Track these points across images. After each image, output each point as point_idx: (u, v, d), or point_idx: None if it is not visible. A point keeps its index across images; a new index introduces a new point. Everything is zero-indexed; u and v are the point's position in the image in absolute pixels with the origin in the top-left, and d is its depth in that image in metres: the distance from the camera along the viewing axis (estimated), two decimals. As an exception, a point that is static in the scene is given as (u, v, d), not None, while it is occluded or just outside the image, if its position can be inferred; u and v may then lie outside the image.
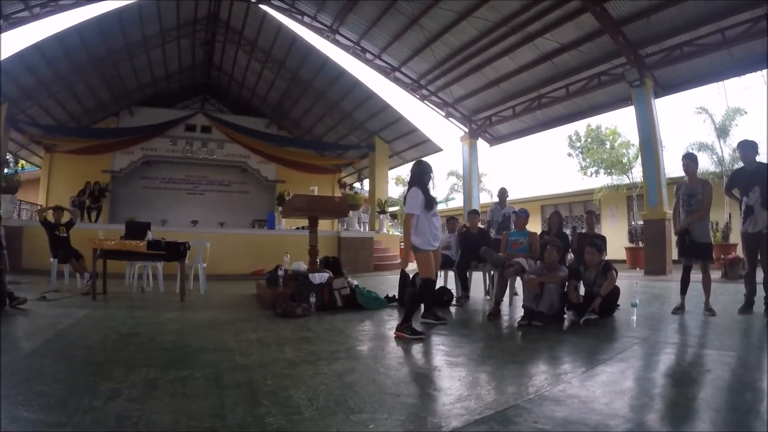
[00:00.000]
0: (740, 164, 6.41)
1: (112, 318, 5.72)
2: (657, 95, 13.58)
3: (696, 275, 6.24)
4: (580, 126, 25.03)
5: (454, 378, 3.38)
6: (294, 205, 7.96)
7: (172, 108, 20.45)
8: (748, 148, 6.03)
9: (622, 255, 15.56)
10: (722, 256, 11.52)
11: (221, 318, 5.95)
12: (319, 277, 6.84)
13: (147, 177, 20.37)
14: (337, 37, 16.04)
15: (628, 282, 8.39)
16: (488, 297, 8.04)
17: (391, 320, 5.96)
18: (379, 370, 3.59)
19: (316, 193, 13.34)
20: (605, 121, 25.74)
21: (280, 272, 6.98)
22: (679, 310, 6.04)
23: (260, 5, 15.52)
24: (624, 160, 19.87)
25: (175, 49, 17.30)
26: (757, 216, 5.71)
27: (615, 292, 5.85)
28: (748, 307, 5.84)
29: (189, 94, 21.64)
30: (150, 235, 7.80)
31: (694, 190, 6.25)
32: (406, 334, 4.69)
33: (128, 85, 18.13)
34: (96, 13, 13.32)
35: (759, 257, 5.85)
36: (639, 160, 15.78)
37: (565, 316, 5.88)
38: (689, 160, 6.45)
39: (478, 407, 2.70)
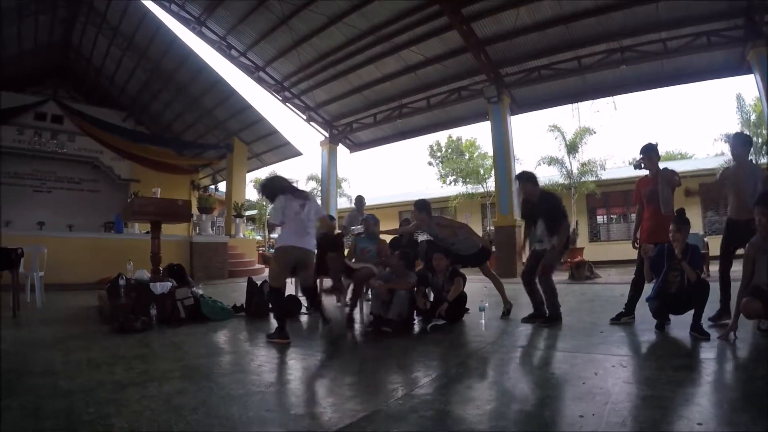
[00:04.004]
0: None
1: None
2: (513, 112, 14.65)
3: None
4: (442, 137, 26.18)
5: (291, 395, 3.41)
6: (133, 209, 7.56)
7: (22, 92, 18.41)
8: (526, 180, 6.33)
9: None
10: (569, 260, 12.50)
11: (54, 335, 5.59)
12: (161, 287, 6.60)
13: (-13, 170, 18.39)
14: (204, 29, 15.60)
15: (479, 285, 8.81)
16: (338, 304, 8.25)
17: (237, 332, 5.93)
18: (212, 389, 3.49)
19: (158, 196, 12.91)
20: (466, 133, 27.09)
21: (122, 281, 6.67)
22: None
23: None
24: (480, 171, 21.05)
25: (31, 26, 15.72)
26: (545, 244, 6.11)
27: (462, 297, 6.12)
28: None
29: (41, 78, 19.76)
30: (-22, 241, 7.21)
31: (433, 231, 6.68)
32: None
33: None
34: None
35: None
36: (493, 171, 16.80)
37: (415, 322, 6.07)
38: (415, 209, 6.70)
39: (311, 428, 2.70)
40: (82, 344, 5.08)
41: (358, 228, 8.18)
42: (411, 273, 6.24)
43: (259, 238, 24.02)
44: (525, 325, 5.93)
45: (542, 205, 6.17)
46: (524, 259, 6.99)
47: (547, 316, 5.99)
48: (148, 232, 13.57)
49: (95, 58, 18.61)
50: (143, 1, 15.09)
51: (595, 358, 4.11)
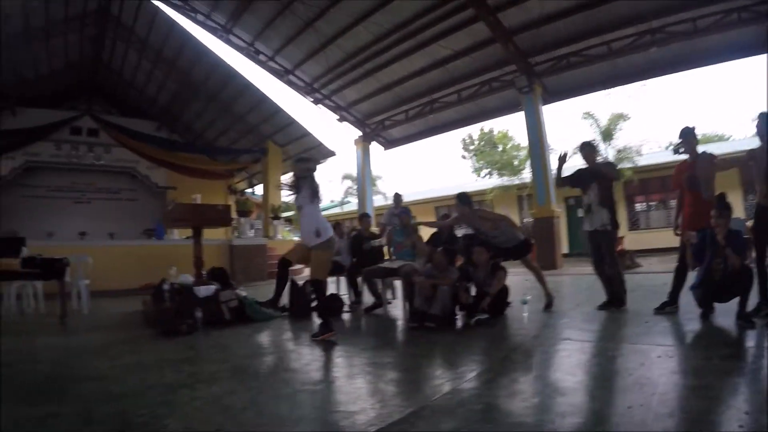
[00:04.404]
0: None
1: (-19, 347, 5.35)
2: (545, 101, 14.44)
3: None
4: (474, 130, 25.99)
5: (340, 393, 3.38)
6: (174, 216, 7.71)
7: (57, 109, 18.89)
8: (585, 148, 6.43)
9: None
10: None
11: (102, 340, 5.66)
12: (205, 290, 6.65)
13: (29, 185, 18.86)
14: (231, 37, 15.69)
15: (520, 279, 8.70)
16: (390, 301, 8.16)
17: (281, 332, 5.94)
18: (261, 389, 3.52)
19: (199, 202, 13.05)
20: (498, 125, 26.84)
21: (166, 286, 6.75)
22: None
23: (153, 1, 14.92)
24: (515, 162, 20.79)
25: (61, 45, 16.18)
26: (594, 215, 6.09)
27: (504, 290, 6.03)
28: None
29: (75, 94, 20.25)
30: (25, 252, 7.31)
31: (475, 224, 6.63)
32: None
33: (10, 83, 16.78)
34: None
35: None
36: (529, 161, 16.58)
37: (457, 317, 5.99)
38: (458, 203, 6.82)
39: (361, 424, 2.67)
40: (130, 348, 5.14)
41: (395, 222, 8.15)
42: (452, 268, 6.20)
43: (296, 239, 24.10)
44: (568, 317, 5.88)
45: (599, 171, 6.15)
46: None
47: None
48: (188, 238, 13.78)
49: (126, 72, 19.00)
50: (170, 14, 15.37)
51: (640, 349, 4.05)
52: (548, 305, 6.40)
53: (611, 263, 6.11)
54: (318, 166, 5.72)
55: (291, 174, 5.70)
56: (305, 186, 5.38)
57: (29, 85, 17.61)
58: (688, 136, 5.71)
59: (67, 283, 7.64)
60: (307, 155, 15.33)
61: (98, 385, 3.71)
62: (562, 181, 6.64)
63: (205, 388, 3.50)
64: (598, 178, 6.11)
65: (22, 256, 7.09)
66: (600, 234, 6.09)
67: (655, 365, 3.48)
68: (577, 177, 6.46)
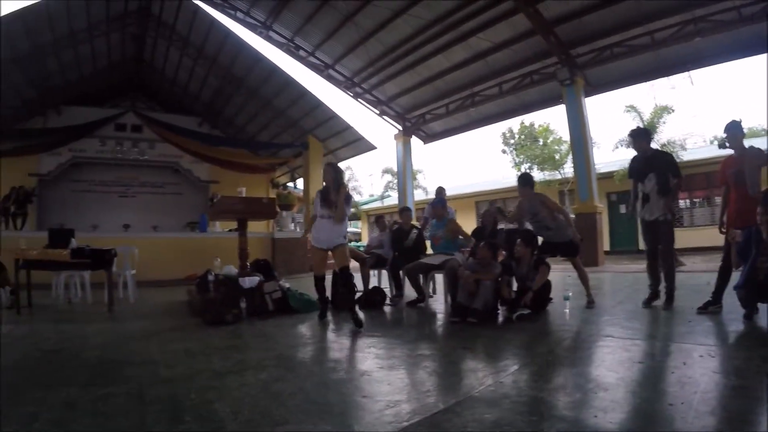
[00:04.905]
0: None
1: (35, 333, 5.51)
2: (587, 94, 14.13)
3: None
4: (514, 123, 25.68)
5: (384, 383, 3.37)
6: (220, 208, 7.83)
7: (101, 107, 19.52)
8: (638, 135, 6.27)
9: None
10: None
11: (149, 328, 5.81)
12: (250, 281, 6.74)
13: (76, 180, 19.47)
14: (271, 33, 15.86)
15: (561, 275, 8.59)
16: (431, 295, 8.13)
17: (324, 323, 5.99)
18: (307, 377, 3.58)
19: (243, 195, 13.25)
20: (538, 118, 26.45)
21: (210, 277, 6.85)
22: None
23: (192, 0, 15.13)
24: (556, 156, 20.48)
25: (104, 45, 16.51)
26: (653, 204, 5.94)
27: (547, 285, 5.96)
28: (653, 298, 6.06)
29: (118, 92, 20.72)
30: (74, 243, 7.50)
31: (535, 208, 6.47)
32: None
33: (55, 83, 17.26)
34: (19, 6, 12.72)
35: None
36: (570, 156, 16.30)
37: (499, 312, 5.95)
38: (520, 184, 6.74)
39: (407, 413, 2.69)
40: (177, 336, 5.26)
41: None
42: (496, 263, 6.16)
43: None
44: (609, 314, 5.77)
45: (655, 159, 6.02)
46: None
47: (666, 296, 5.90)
48: (230, 230, 14.03)
49: (168, 69, 19.29)
50: (210, 12, 15.52)
51: (682, 348, 4.00)
52: (588, 305, 6.28)
53: (667, 255, 5.98)
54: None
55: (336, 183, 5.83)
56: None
57: (74, 85, 18.14)
58: (734, 131, 5.53)
59: (114, 274, 7.85)
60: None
61: (149, 370, 3.81)
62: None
63: (252, 375, 3.56)
64: (657, 168, 5.93)
65: (71, 247, 7.28)
66: (660, 223, 5.93)
67: (697, 364, 3.44)
68: (635, 167, 6.29)
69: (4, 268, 8.05)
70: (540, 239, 6.44)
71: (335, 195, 5.76)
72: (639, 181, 6.12)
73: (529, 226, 6.65)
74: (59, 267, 7.75)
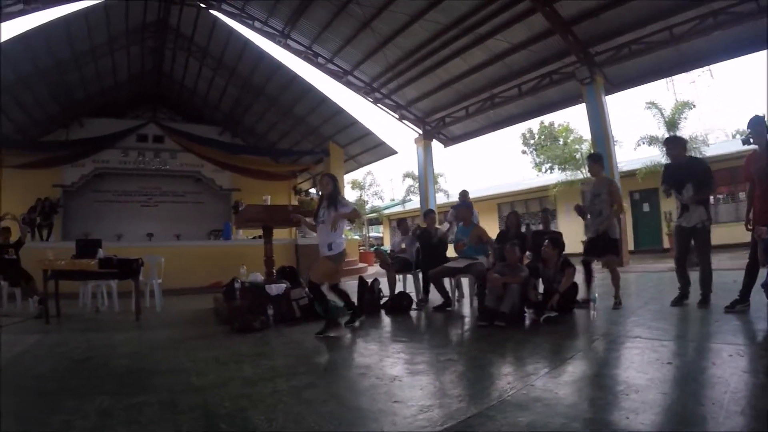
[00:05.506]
0: None
1: (65, 342, 5.53)
2: (608, 92, 13.97)
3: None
4: (533, 124, 25.53)
5: (415, 387, 3.35)
6: (246, 217, 7.85)
7: (122, 118, 19.90)
8: (674, 143, 6.20)
9: (580, 248, 15.82)
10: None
11: (177, 336, 5.84)
12: (276, 288, 6.75)
13: (99, 190, 19.88)
14: (289, 41, 15.92)
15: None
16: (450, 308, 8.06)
17: (351, 328, 5.91)
18: (339, 383, 3.58)
19: (269, 203, 13.28)
20: (558, 118, 26.23)
21: (237, 285, 6.85)
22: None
23: (210, 10, 15.30)
24: (577, 156, 20.25)
25: (124, 58, 16.84)
26: (691, 213, 5.81)
27: (573, 287, 5.88)
28: (682, 298, 5.95)
29: (139, 104, 21.07)
30: (101, 253, 7.55)
31: (599, 189, 6.41)
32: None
33: (77, 96, 17.60)
34: (41, 22, 12.96)
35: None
36: (592, 155, 16.10)
37: (525, 314, 5.89)
38: (591, 161, 6.74)
39: (440, 418, 2.68)
40: (206, 344, 5.28)
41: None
42: (522, 266, 6.12)
43: (357, 237, 24.25)
44: (636, 315, 5.68)
45: (691, 168, 5.90)
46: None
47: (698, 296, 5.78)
48: (255, 238, 14.08)
49: (187, 80, 19.57)
50: (228, 22, 15.71)
51: (711, 347, 3.99)
52: (615, 306, 6.16)
53: (705, 260, 5.83)
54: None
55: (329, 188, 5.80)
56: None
57: (95, 98, 18.42)
58: (757, 126, 5.39)
59: (141, 283, 7.87)
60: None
61: (180, 378, 3.82)
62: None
63: (284, 382, 3.55)
64: (694, 177, 5.80)
65: (98, 257, 7.34)
66: (698, 231, 5.81)
67: (727, 364, 3.39)
68: (670, 176, 6.16)
69: (31, 278, 8.18)
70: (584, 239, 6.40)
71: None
72: (676, 189, 6.00)
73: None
74: (87, 277, 7.85)
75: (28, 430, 2.60)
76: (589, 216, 6.51)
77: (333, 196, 5.72)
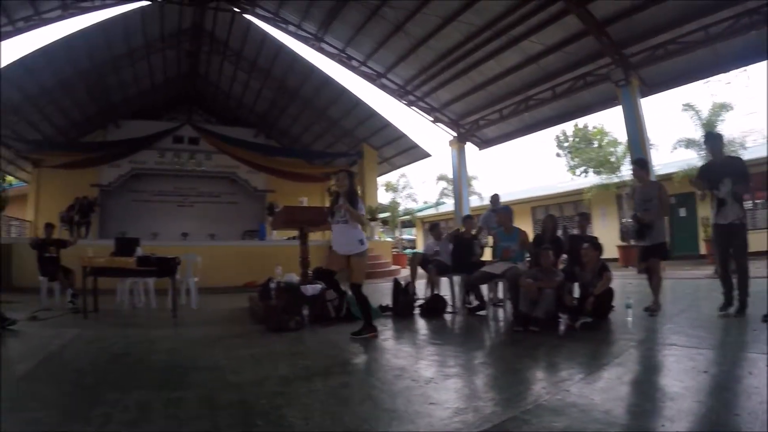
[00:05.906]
0: None
1: (103, 337, 5.63)
2: (643, 94, 13.65)
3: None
4: (568, 126, 25.16)
5: (451, 390, 3.35)
6: (283, 218, 7.91)
7: (159, 120, 20.32)
8: (714, 140, 6.09)
9: (615, 254, 15.57)
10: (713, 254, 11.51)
11: (213, 334, 5.89)
12: (312, 289, 6.77)
13: (136, 190, 20.30)
14: (323, 44, 15.98)
15: (621, 282, 8.34)
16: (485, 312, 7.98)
17: (386, 330, 5.90)
18: (374, 384, 3.59)
19: (305, 205, 13.37)
20: (591, 120, 25.82)
21: (272, 285, 6.89)
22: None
23: (244, 15, 15.49)
24: (612, 159, 19.91)
25: (160, 61, 17.27)
26: (728, 208, 5.69)
27: (609, 293, 5.80)
28: (728, 305, 5.78)
29: (175, 106, 21.52)
30: (139, 251, 7.68)
31: (648, 194, 6.31)
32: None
33: (115, 98, 18.06)
34: (80, 27, 13.33)
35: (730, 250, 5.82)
36: (627, 158, 15.84)
37: (560, 319, 5.82)
38: (638, 167, 6.68)
39: (475, 420, 2.67)
40: (242, 342, 5.32)
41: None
42: (557, 270, 6.09)
43: (389, 239, 24.20)
44: (672, 322, 5.60)
45: (729, 167, 5.79)
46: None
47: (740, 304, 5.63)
48: (289, 239, 14.16)
49: (223, 83, 19.85)
50: (262, 26, 15.91)
51: (748, 357, 3.94)
52: (653, 312, 6.06)
53: (742, 262, 5.68)
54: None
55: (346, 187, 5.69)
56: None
57: (132, 100, 18.81)
58: None
59: (178, 281, 7.97)
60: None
61: (216, 375, 3.86)
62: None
63: (319, 381, 3.56)
64: (731, 173, 5.68)
65: (136, 255, 7.48)
66: (735, 227, 5.67)
67: (763, 374, 3.29)
68: (707, 172, 6.04)
69: (71, 271, 8.41)
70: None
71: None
72: (713, 187, 5.86)
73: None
74: (125, 274, 8.02)
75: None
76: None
77: (352, 193, 5.62)
